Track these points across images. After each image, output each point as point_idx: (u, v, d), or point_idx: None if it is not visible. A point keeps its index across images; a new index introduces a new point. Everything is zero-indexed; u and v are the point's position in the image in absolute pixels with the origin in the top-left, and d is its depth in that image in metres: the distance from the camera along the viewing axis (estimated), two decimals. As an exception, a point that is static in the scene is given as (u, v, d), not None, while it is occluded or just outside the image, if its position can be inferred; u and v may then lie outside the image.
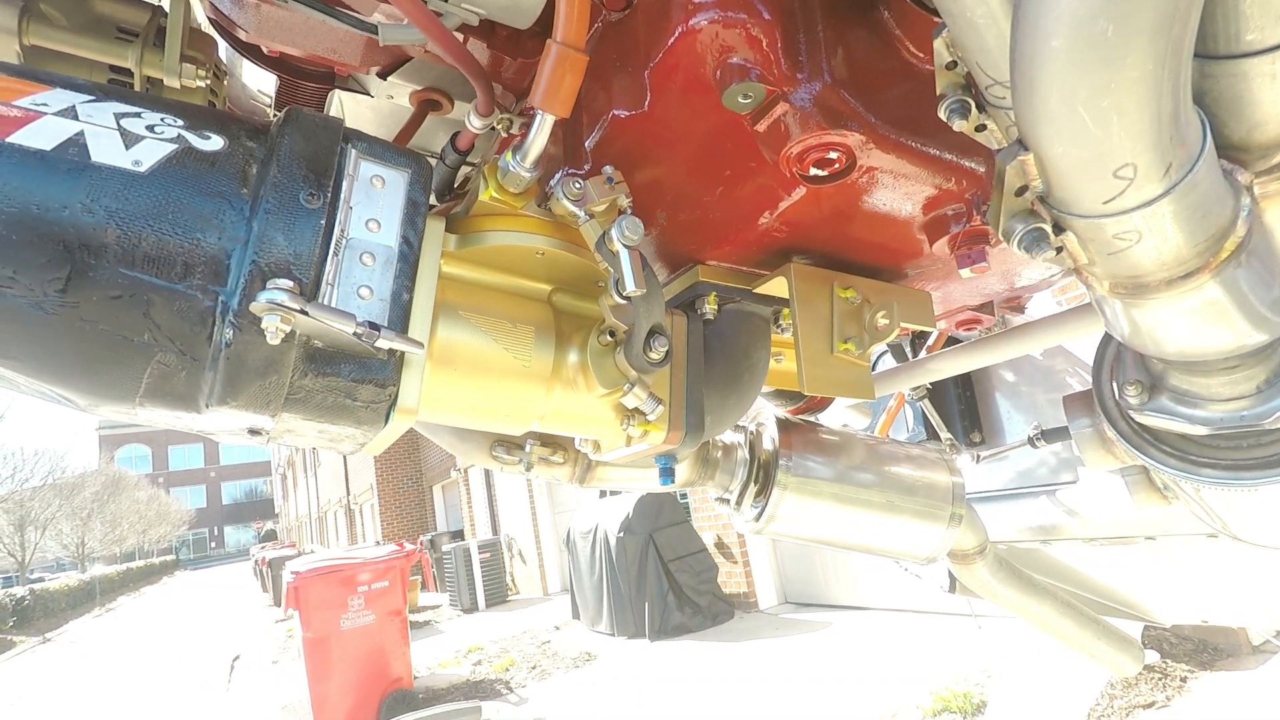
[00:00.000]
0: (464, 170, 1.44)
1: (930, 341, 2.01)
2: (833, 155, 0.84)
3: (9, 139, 0.63)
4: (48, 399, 0.75)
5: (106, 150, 0.66)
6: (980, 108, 0.71)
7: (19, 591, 23.26)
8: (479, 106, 1.14)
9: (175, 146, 0.69)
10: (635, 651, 8.34)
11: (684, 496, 10.65)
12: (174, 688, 10.26)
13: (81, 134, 0.65)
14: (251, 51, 1.28)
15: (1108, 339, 1.08)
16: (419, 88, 1.34)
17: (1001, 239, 0.63)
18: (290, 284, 0.67)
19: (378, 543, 16.31)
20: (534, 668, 8.29)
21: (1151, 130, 0.51)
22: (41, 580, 32.61)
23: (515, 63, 1.14)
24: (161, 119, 0.70)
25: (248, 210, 0.70)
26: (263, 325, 0.65)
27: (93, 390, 0.70)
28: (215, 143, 0.71)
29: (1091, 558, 2.39)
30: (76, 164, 0.64)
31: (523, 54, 1.12)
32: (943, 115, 0.73)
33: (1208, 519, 1.29)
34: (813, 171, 0.86)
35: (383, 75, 1.31)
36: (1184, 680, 4.98)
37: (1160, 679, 4.95)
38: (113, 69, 1.06)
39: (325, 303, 0.71)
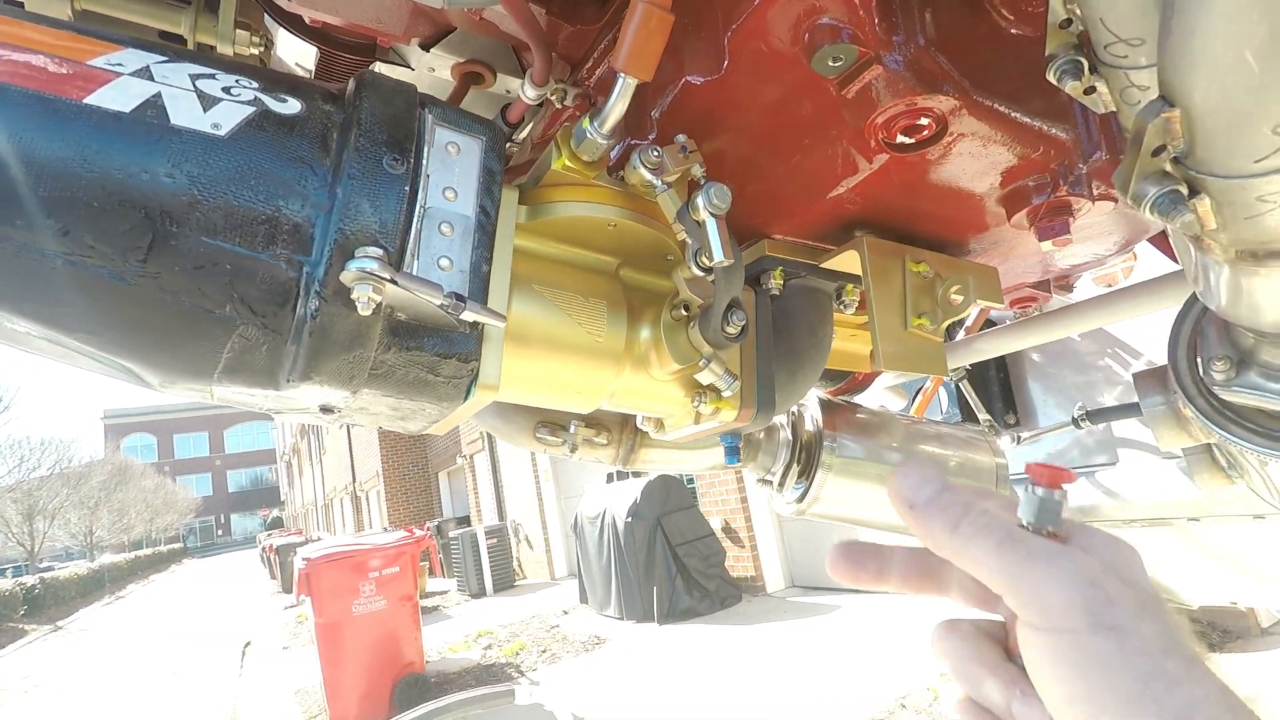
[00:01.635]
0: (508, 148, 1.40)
1: (969, 322, 1.98)
2: (923, 121, 0.81)
3: (87, 100, 0.60)
4: (116, 374, 0.72)
5: (185, 112, 0.63)
6: (1093, 68, 0.68)
7: (29, 580, 23.40)
8: (535, 75, 1.10)
9: (253, 109, 0.66)
10: (644, 635, 8.37)
11: (690, 482, 10.65)
12: (187, 674, 10.32)
13: (159, 95, 0.62)
14: (292, 21, 1.24)
15: (1185, 314, 1.06)
16: (461, 60, 1.30)
17: (1130, 202, 0.60)
18: (379, 252, 0.64)
19: (385, 529, 16.37)
20: (544, 651, 8.32)
21: (1323, 81, 0.47)
22: (51, 569, 32.80)
23: (570, 29, 1.11)
24: (236, 80, 0.67)
25: (330, 176, 0.67)
26: (353, 295, 0.62)
27: (170, 365, 0.67)
28: (292, 106, 0.68)
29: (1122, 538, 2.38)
30: (156, 126, 0.61)
31: (580, 20, 1.08)
32: (1052, 77, 0.70)
33: (1271, 498, 1.26)
34: (899, 139, 0.83)
35: (425, 47, 1.27)
36: (1194, 661, 4.97)
37: (1170, 661, 4.95)
38: (162, 34, 1.02)
39: (410, 273, 0.68)
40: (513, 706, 2.03)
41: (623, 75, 0.77)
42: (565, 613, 10.47)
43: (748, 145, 0.96)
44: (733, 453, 1.13)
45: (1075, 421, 1.87)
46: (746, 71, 0.85)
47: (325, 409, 0.78)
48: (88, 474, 44.22)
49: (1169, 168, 0.58)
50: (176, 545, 58.98)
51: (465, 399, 0.76)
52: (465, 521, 17.36)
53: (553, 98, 1.16)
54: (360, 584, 7.08)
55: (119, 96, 0.61)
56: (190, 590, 27.14)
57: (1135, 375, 1.22)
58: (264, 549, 26.72)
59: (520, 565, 15.23)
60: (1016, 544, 0.44)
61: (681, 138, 0.87)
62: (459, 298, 0.68)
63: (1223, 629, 5.36)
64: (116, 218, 0.59)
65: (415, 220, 0.70)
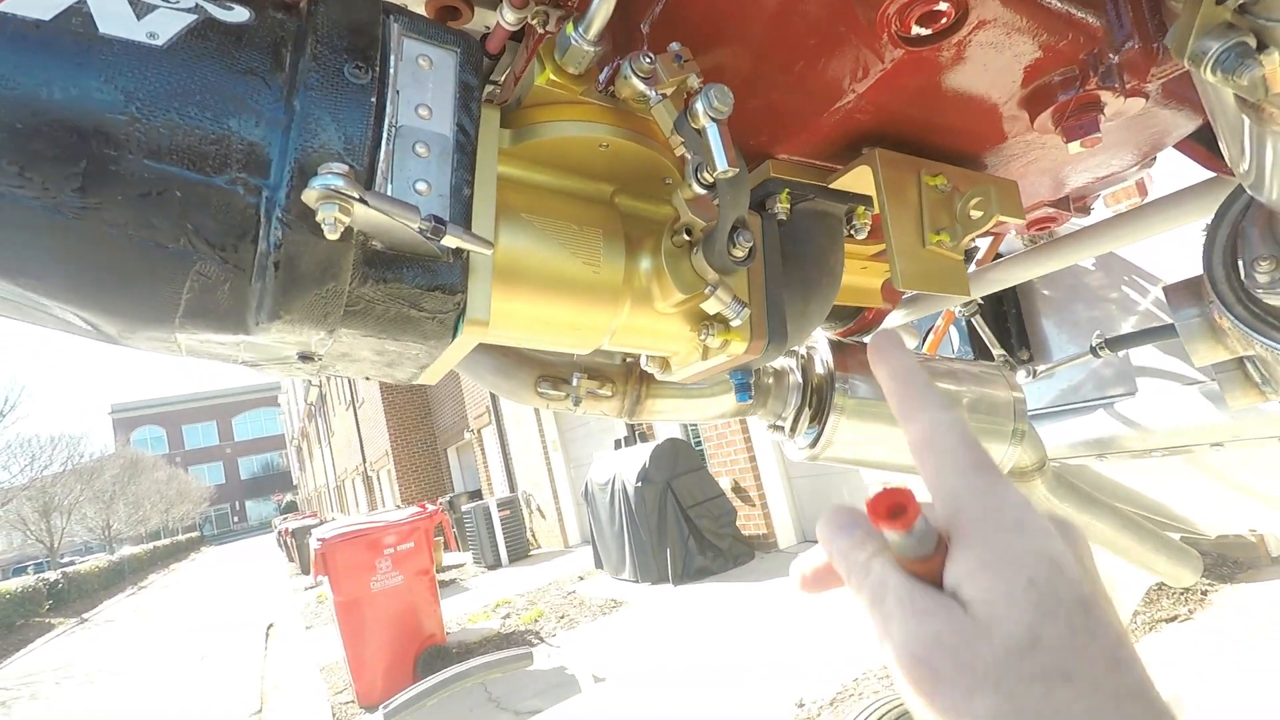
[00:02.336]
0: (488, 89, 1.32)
1: (981, 255, 1.90)
2: (941, 7, 0.73)
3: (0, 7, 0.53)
4: (77, 329, 0.66)
5: (115, 20, 0.55)
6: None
7: (51, 576, 23.70)
8: (513, -3, 1.02)
9: (195, 17, 0.58)
10: (660, 596, 8.44)
11: (699, 444, 10.65)
12: (213, 657, 10.47)
13: (84, 1, 0.55)
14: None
15: (1221, 218, 0.99)
16: (436, -8, 1.22)
17: (1189, 63, 0.53)
18: (345, 168, 0.57)
19: (398, 506, 16.49)
20: (562, 617, 8.40)
21: None
22: (72, 564, 33.24)
23: (549, -54, 1.02)
24: (175, -12, 0.60)
25: (285, 90, 0.60)
26: (318, 217, 0.56)
27: (126, 311, 0.61)
28: (239, 14, 0.61)
29: (1136, 471, 2.33)
30: (82, 35, 0.54)
31: (558, -67, 0.99)
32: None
33: (1312, 413, 1.20)
34: (915, 30, 0.76)
35: (396, -21, 1.19)
36: (1204, 594, 5.00)
37: (1181, 593, 4.98)
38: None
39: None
40: (532, 669, 2.01)
41: (606, -31, 0.69)
42: (581, 579, 10.56)
43: (748, 55, 0.88)
44: (744, 389, 1.07)
45: (1094, 350, 1.81)
46: (743, -35, 0.77)
47: (304, 356, 0.72)
48: (100, 469, 44.61)
49: (1233, 18, 0.51)
50: (194, 534, 59.74)
51: (453, 336, 0.70)
52: (477, 495, 17.47)
53: (534, 21, 1.08)
54: (376, 561, 7.13)
55: (36, 1, 0.54)
56: (211, 577, 27.50)
57: (1166, 289, 1.15)
58: (280, 533, 27.01)
59: (534, 535, 15.36)
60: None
61: (676, 46, 0.79)
62: (439, 221, 0.61)
63: (1233, 560, 5.37)
64: (45, 140, 0.53)
65: (386, 139, 0.63)
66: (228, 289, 0.61)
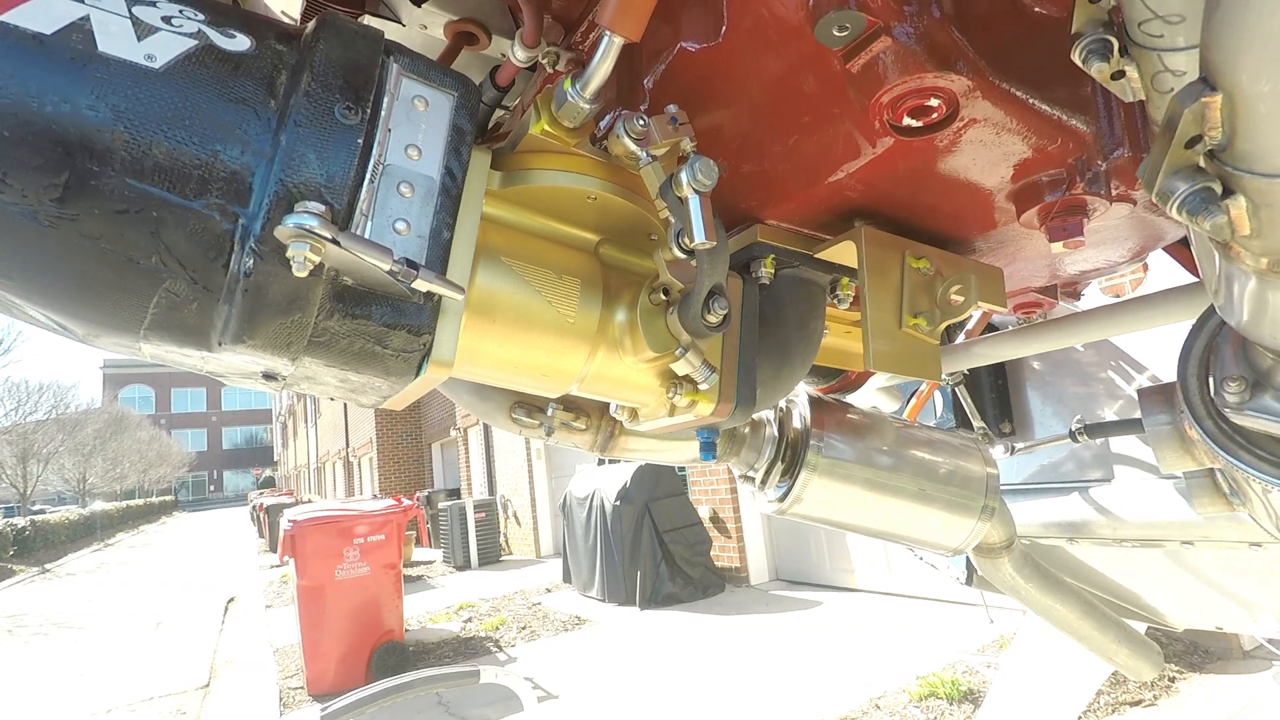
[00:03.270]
0: (497, 114, 1.34)
1: (970, 325, 1.92)
2: (933, 103, 0.74)
3: (3, 17, 0.54)
4: (46, 326, 0.67)
5: (116, 40, 0.56)
6: (1123, 50, 0.62)
7: (19, 522, 23.51)
8: (525, 36, 1.04)
9: (195, 43, 0.59)
10: (625, 618, 8.38)
11: (682, 469, 10.63)
12: (169, 624, 10.37)
13: (87, 19, 0.56)
14: (275, -36, 1.17)
15: (1197, 331, 1.00)
16: (455, 18, 1.24)
17: (1156, 200, 0.54)
18: (322, 208, 0.58)
19: (375, 496, 16.40)
20: (524, 628, 8.34)
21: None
22: (43, 512, 32.96)
23: (566, -11, 1.04)
24: (180, 10, 0.61)
25: (275, 122, 0.60)
26: (289, 254, 0.56)
27: (92, 318, 0.62)
28: (241, 43, 0.62)
29: (1107, 557, 2.34)
30: (80, 53, 0.55)
31: (576, -21, 1.01)
32: (1077, 57, 0.64)
33: (1273, 528, 1.21)
34: (906, 121, 0.77)
35: (417, 1, 1.21)
36: (1172, 680, 4.99)
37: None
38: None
39: (359, 234, 0.62)
40: (479, 686, 2.00)
41: (608, 33, 0.71)
42: (548, 591, 10.49)
43: (744, 121, 0.89)
44: (708, 449, 1.07)
45: (1072, 435, 1.81)
46: (746, 39, 0.78)
47: (269, 375, 0.73)
48: (84, 421, 44.36)
49: (1202, 162, 0.52)
50: (168, 498, 59.32)
51: (416, 375, 0.71)
52: (455, 494, 17.39)
53: (544, 61, 1.10)
54: (345, 549, 7.09)
55: (41, 16, 0.55)
56: (179, 543, 27.27)
57: (1140, 391, 1.16)
58: (254, 507, 26.83)
59: (507, 541, 15.27)
60: None
61: (672, 108, 0.80)
62: (411, 264, 0.62)
63: (1204, 649, 5.36)
64: (30, 149, 0.53)
65: (370, 177, 0.64)
66: (195, 308, 0.61)
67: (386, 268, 0.60)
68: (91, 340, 0.66)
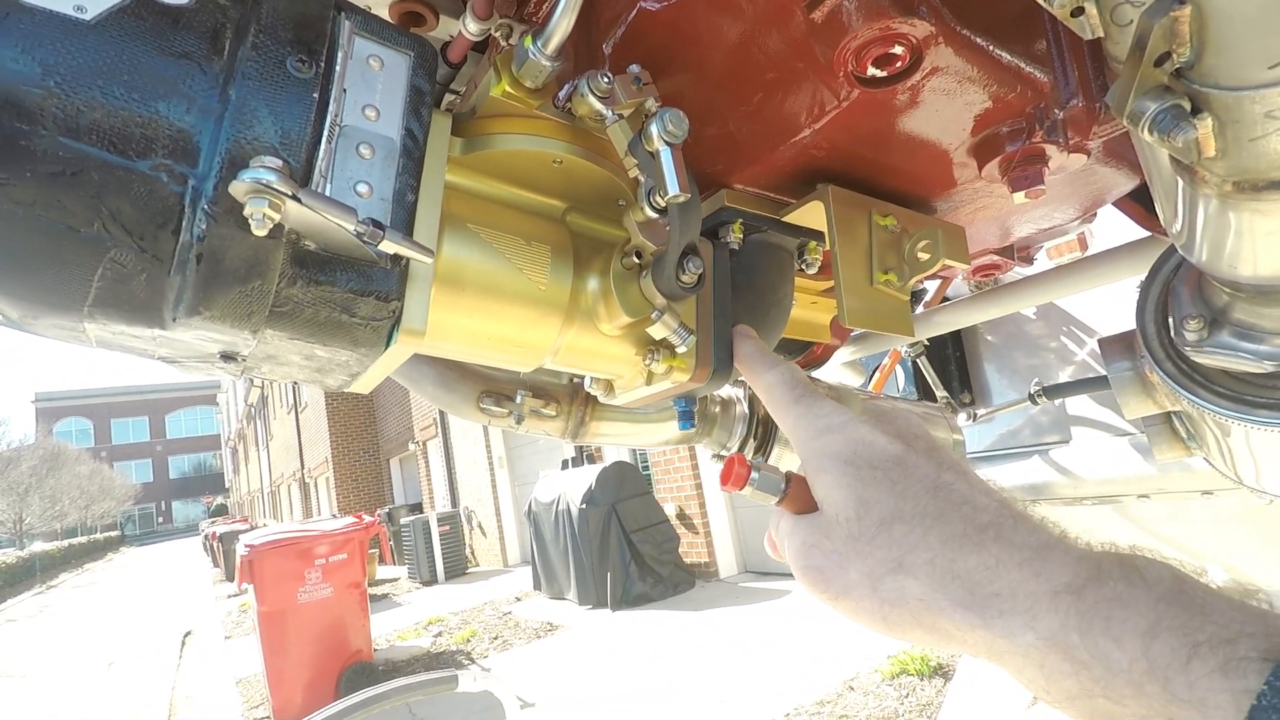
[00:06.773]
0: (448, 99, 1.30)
1: (929, 297, 1.95)
2: (896, 50, 0.74)
3: (-90, -36, 0.49)
4: (-27, 311, 0.61)
5: (40, -10, 0.52)
6: (1084, -16, 0.62)
7: (-50, 569, 22.26)
8: (477, 7, 1.01)
9: (129, -6, 0.55)
10: (597, 621, 8.34)
11: (646, 469, 10.63)
12: (122, 664, 9.93)
13: (7, -33, 0.52)
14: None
15: (1154, 275, 1.02)
16: (401, -4, 1.20)
17: (1126, 122, 0.54)
18: (279, 163, 0.54)
19: (334, 516, 15.98)
20: (496, 638, 8.23)
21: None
22: (-25, 558, 31.25)
23: (517, -41, 1.02)
24: (111, -38, 0.57)
25: (221, 77, 0.57)
26: (246, 212, 0.53)
27: (29, 296, 0.57)
28: (179, -5, 0.58)
29: (1062, 518, 2.41)
30: (2, 3, 0.51)
31: (527, -53, 0.99)
32: (1036, -10, 0.64)
33: (1228, 469, 1.25)
34: (870, 72, 0.77)
35: (361, -20, 1.17)
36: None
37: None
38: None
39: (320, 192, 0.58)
40: (457, 693, 1.95)
41: (568, -15, 0.69)
42: (518, 599, 10.38)
43: (707, 83, 0.88)
44: (686, 417, 1.06)
45: (1032, 397, 1.86)
46: (707, -6, 0.77)
47: (227, 356, 0.69)
48: (17, 459, 42.27)
49: (1169, 81, 0.52)
50: (114, 533, 56.91)
51: (386, 345, 0.68)
52: (418, 508, 17.07)
53: (497, 34, 1.07)
54: (306, 571, 6.89)
55: (-47, -36, 0.50)
56: (128, 579, 26.16)
57: (1101, 341, 1.19)
58: (207, 536, 25.91)
59: (473, 552, 15.06)
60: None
61: (635, 68, 0.79)
62: (377, 225, 0.59)
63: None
64: (-51, 109, 0.49)
65: (327, 136, 0.61)
66: (144, 279, 0.57)
67: (351, 228, 0.57)
68: (29, 324, 0.62)
